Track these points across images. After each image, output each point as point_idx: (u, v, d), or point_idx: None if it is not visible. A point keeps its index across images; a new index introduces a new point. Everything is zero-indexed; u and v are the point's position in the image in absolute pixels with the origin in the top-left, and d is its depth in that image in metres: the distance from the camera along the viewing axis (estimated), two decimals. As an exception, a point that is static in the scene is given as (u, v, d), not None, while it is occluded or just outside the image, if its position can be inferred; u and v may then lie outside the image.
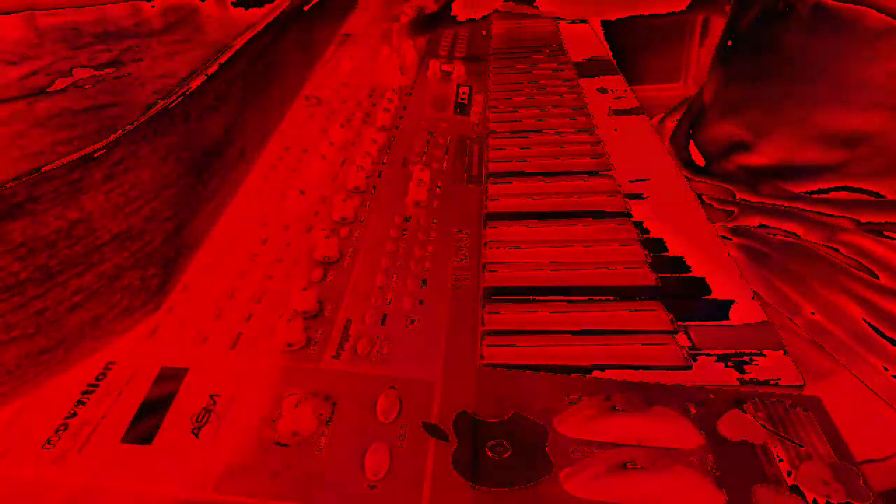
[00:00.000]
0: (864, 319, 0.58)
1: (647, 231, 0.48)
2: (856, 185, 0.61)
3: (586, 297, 0.41)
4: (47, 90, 0.41)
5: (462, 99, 0.72)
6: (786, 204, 0.65)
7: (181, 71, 0.43)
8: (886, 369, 0.56)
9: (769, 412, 0.32)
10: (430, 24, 0.81)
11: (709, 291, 0.42)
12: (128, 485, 0.30)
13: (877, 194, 0.60)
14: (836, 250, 0.61)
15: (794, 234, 0.64)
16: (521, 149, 0.61)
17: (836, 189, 0.62)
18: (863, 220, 0.60)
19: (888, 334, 0.56)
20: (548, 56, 0.86)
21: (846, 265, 0.60)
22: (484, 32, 0.96)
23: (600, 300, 0.41)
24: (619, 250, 0.46)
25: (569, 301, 0.41)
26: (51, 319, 0.33)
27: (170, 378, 0.35)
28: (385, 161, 0.59)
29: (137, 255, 0.38)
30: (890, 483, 0.43)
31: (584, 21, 0.99)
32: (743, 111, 0.70)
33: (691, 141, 0.78)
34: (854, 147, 0.60)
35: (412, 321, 0.39)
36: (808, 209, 0.63)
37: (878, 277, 0.58)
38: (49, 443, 0.31)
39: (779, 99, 0.65)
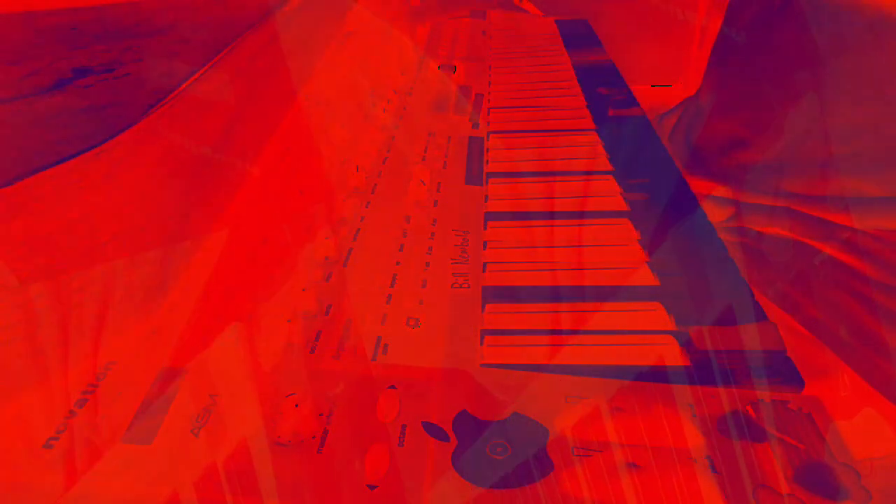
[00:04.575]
0: (864, 317, 0.58)
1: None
2: (853, 178, 0.61)
3: (587, 297, 0.41)
4: (47, 90, 0.41)
5: (462, 99, 0.72)
6: (785, 203, 0.65)
7: (181, 71, 0.43)
8: (886, 366, 0.56)
9: (769, 412, 0.32)
10: None
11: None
12: (128, 485, 0.30)
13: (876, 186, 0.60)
14: (835, 248, 0.61)
15: (794, 232, 0.64)
16: (521, 149, 0.61)
17: (832, 183, 0.62)
18: (862, 217, 0.60)
19: (888, 332, 0.56)
20: (547, 56, 0.86)
21: (845, 262, 0.60)
22: (484, 32, 0.96)
23: (600, 300, 0.41)
24: (620, 250, 0.46)
25: (569, 301, 0.41)
26: (50, 319, 0.33)
27: (170, 378, 0.35)
28: (385, 161, 0.59)
29: (137, 255, 0.38)
30: (890, 482, 0.42)
31: (583, 20, 0.99)
32: (740, 108, 0.70)
33: (690, 140, 0.78)
34: (850, 140, 0.60)
35: (412, 321, 0.39)
36: (807, 208, 0.63)
37: (877, 275, 0.58)
38: (49, 443, 0.31)
39: (775, 95, 0.65)
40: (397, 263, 0.45)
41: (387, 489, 0.29)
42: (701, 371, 0.35)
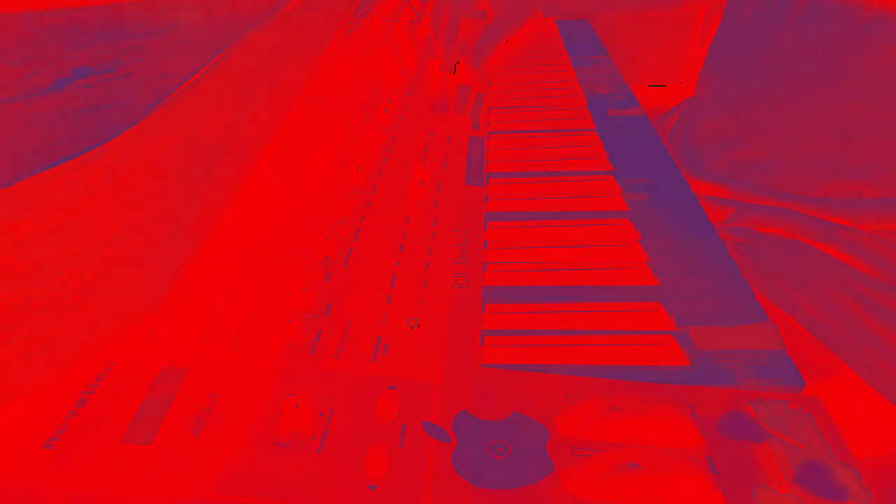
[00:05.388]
0: (864, 316, 0.58)
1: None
2: (852, 179, 0.61)
3: (587, 297, 0.41)
4: (47, 90, 0.41)
5: (462, 99, 0.72)
6: (785, 203, 0.65)
7: (181, 71, 0.43)
8: (886, 366, 0.56)
9: (769, 412, 0.32)
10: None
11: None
12: (128, 485, 0.30)
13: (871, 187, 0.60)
14: (835, 248, 0.61)
15: (794, 232, 0.64)
16: (521, 149, 0.61)
17: (831, 183, 0.62)
18: (861, 217, 0.60)
19: (887, 330, 0.56)
20: (547, 56, 0.86)
21: (845, 262, 0.60)
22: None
23: (600, 300, 0.41)
24: (620, 250, 0.46)
25: (569, 301, 0.41)
26: (51, 319, 0.33)
27: (170, 378, 0.35)
28: (385, 161, 0.59)
29: (137, 255, 0.38)
30: (890, 481, 0.43)
31: (583, 21, 0.99)
32: (737, 107, 0.70)
33: (690, 140, 0.78)
34: (846, 140, 0.60)
35: (412, 321, 0.39)
36: (806, 208, 0.63)
37: (876, 274, 0.58)
38: (49, 443, 0.31)
39: (772, 94, 0.65)
40: (397, 263, 0.45)
41: (387, 489, 0.29)
42: (701, 371, 0.35)
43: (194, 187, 0.44)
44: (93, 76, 0.43)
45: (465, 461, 0.30)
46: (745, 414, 0.32)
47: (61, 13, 0.59)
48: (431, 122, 0.67)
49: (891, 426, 0.54)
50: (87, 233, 0.34)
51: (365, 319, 0.40)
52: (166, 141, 0.40)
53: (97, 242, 0.35)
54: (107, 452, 0.31)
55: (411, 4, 1.01)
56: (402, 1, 1.04)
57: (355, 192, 0.53)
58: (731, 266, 0.43)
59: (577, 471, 0.30)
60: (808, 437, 0.31)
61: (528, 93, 0.74)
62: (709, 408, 0.33)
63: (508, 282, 0.43)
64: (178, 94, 0.40)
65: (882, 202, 0.59)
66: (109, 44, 0.51)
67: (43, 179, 0.31)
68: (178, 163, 0.41)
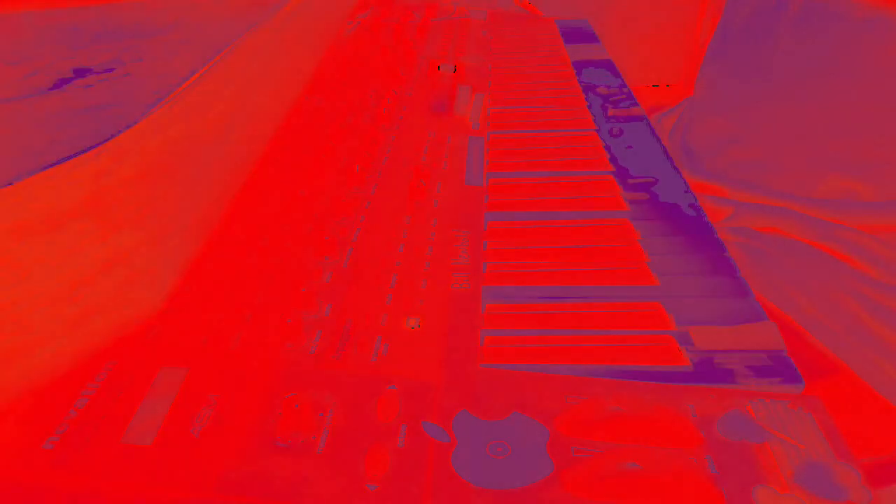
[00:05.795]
0: (864, 316, 0.58)
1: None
2: (849, 179, 0.61)
3: (587, 297, 0.41)
4: (47, 90, 0.41)
5: (462, 99, 0.72)
6: (784, 203, 0.65)
7: (181, 71, 0.43)
8: (886, 366, 0.56)
9: (769, 412, 0.32)
10: None
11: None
12: (128, 485, 0.30)
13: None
14: (835, 248, 0.61)
15: (794, 232, 0.64)
16: (521, 149, 0.61)
17: (831, 183, 0.62)
18: (860, 218, 0.60)
19: (887, 330, 0.56)
20: (547, 56, 0.86)
21: (845, 262, 0.60)
22: (484, 32, 0.96)
23: (600, 300, 0.41)
24: (620, 250, 0.46)
25: (569, 301, 0.41)
26: (51, 319, 0.33)
27: (170, 378, 0.35)
28: (385, 161, 0.59)
29: (138, 255, 0.38)
30: (890, 481, 0.43)
31: (583, 20, 0.99)
32: (736, 107, 0.70)
33: (689, 139, 0.78)
34: (846, 139, 0.60)
35: (412, 321, 0.39)
36: (805, 208, 0.63)
37: (876, 274, 0.58)
38: (49, 443, 0.31)
39: (771, 94, 0.65)
40: (397, 263, 0.45)
41: (387, 489, 0.29)
42: (701, 371, 0.35)
43: (194, 187, 0.44)
44: (93, 76, 0.43)
45: (465, 461, 0.30)
46: (745, 414, 0.32)
47: (61, 13, 0.59)
48: (431, 122, 0.67)
49: (891, 426, 0.54)
50: (88, 233, 0.34)
51: (365, 319, 0.40)
52: (166, 141, 0.40)
53: (97, 242, 0.35)
54: (107, 452, 0.31)
55: (412, 4, 1.01)
56: (402, 1, 1.04)
57: (355, 192, 0.53)
58: (731, 266, 0.43)
59: (577, 471, 0.30)
60: (808, 437, 0.31)
61: (528, 93, 0.74)
62: (709, 408, 0.33)
63: (508, 282, 0.43)
64: (178, 94, 0.40)
65: (882, 202, 0.59)
66: (109, 44, 0.51)
67: (43, 179, 0.31)
68: (178, 163, 0.41)
